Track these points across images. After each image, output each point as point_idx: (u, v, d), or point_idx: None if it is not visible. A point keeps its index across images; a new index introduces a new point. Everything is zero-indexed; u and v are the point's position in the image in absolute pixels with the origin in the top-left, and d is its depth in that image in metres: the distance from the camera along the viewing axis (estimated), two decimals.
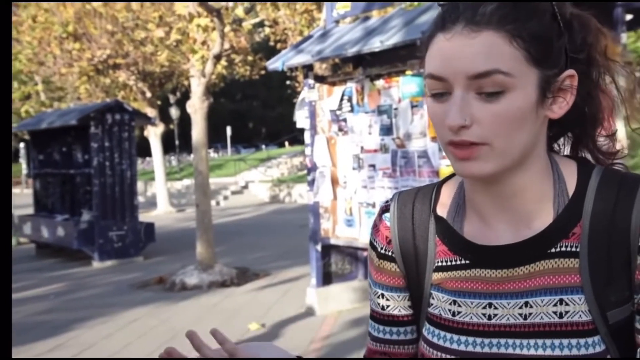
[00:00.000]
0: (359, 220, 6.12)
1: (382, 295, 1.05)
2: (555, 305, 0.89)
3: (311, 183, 6.53)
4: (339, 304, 6.60)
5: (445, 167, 5.19)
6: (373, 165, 5.93)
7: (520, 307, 0.91)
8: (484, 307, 0.94)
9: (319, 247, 6.56)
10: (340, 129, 6.27)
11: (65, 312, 7.38)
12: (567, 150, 1.02)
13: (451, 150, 0.88)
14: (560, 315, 0.89)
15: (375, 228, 1.05)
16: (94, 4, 15.34)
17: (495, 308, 0.93)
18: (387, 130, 5.77)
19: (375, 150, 5.90)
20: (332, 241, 6.45)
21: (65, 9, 15.67)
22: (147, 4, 15.34)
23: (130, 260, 10.90)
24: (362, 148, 6.04)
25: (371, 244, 1.06)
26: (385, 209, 1.05)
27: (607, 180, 0.92)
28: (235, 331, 5.98)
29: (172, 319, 6.80)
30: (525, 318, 0.91)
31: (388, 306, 1.05)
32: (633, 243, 0.88)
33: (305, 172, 7.11)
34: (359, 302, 6.61)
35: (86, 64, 16.45)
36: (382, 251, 1.04)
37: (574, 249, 0.90)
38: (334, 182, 6.34)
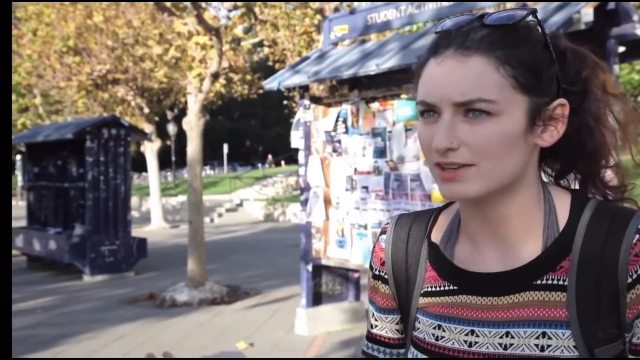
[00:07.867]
0: (350, 241, 6.11)
1: (373, 314, 1.08)
2: (537, 338, 0.88)
3: (304, 203, 6.54)
4: (328, 325, 6.57)
5: (437, 191, 5.20)
6: (366, 187, 5.94)
7: (501, 337, 0.90)
8: (467, 334, 0.93)
9: (310, 268, 6.54)
10: (334, 150, 6.29)
11: (52, 327, 7.32)
12: (576, 187, 1.00)
13: (438, 171, 0.89)
14: (542, 349, 0.87)
15: (373, 249, 1.08)
16: (96, 19, 15.45)
17: (477, 336, 0.92)
18: (380, 152, 5.79)
19: (369, 172, 5.92)
20: (323, 262, 6.44)
21: (66, 24, 15.78)
22: (148, 21, 15.47)
23: (121, 275, 10.85)
24: (355, 169, 6.05)
25: (369, 264, 1.09)
26: (383, 230, 1.07)
27: (600, 214, 0.91)
28: (223, 350, 5.93)
29: (160, 336, 6.76)
30: (505, 348, 0.90)
31: (376, 326, 1.07)
32: (621, 280, 0.86)
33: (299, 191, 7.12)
34: (349, 324, 6.58)
35: (85, 78, 16.53)
36: (376, 272, 1.06)
37: (561, 283, 0.89)
38: (327, 202, 6.34)
